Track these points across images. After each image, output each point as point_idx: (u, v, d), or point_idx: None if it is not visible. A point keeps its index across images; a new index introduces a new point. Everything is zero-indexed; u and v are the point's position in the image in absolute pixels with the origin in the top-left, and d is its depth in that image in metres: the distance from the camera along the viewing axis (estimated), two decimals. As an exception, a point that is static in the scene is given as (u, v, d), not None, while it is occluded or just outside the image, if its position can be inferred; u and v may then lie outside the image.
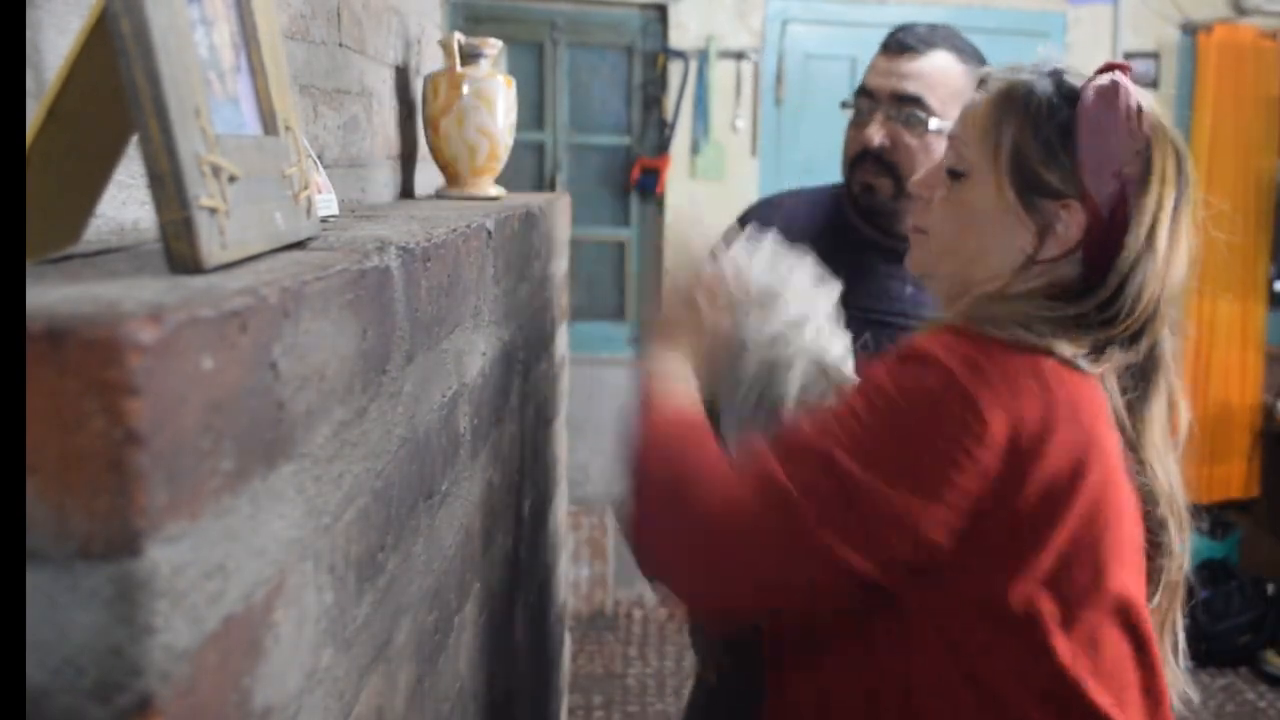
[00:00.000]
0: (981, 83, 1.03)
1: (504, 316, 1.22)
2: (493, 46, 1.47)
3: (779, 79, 4.05)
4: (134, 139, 0.59)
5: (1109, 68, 0.97)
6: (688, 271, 1.10)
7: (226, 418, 0.44)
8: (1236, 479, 4.19)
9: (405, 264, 0.75)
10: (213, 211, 0.51)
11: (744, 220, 1.67)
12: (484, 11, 3.95)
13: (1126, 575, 0.93)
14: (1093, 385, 0.93)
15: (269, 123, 0.65)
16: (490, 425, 1.15)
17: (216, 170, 0.52)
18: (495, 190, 1.51)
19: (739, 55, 4.02)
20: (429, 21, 1.79)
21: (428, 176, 1.67)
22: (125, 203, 0.75)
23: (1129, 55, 4.03)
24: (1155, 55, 4.14)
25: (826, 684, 0.99)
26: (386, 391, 0.71)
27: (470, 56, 1.45)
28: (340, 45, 1.23)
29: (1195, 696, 1.02)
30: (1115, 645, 0.92)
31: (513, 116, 1.49)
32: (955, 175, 1.01)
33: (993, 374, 0.87)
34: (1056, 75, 0.99)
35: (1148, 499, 0.98)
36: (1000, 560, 0.89)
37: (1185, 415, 1.05)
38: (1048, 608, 0.88)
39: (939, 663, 0.91)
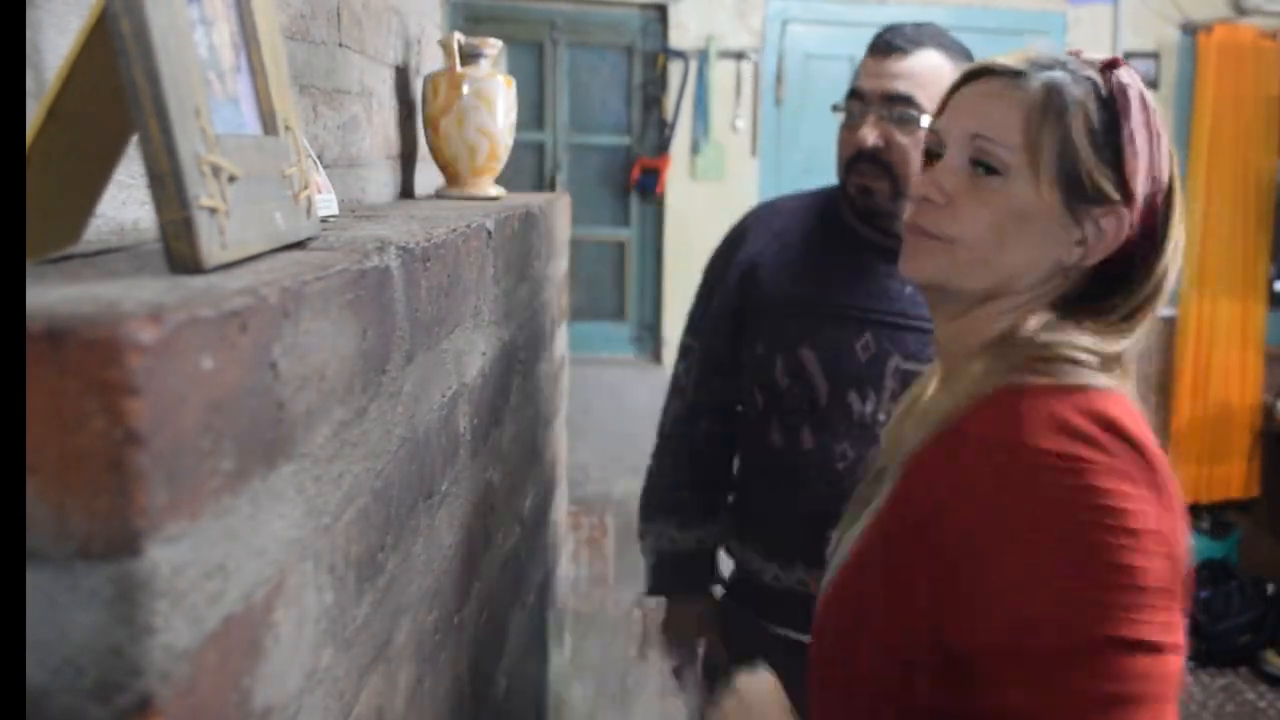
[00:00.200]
0: (986, 71, 0.94)
1: (504, 316, 1.22)
2: (493, 46, 1.47)
3: (779, 79, 4.05)
4: (134, 139, 0.59)
5: (1115, 63, 0.92)
6: None
7: (226, 418, 0.44)
8: (1236, 479, 4.20)
9: (405, 264, 0.75)
10: (213, 211, 0.51)
11: (743, 224, 1.68)
12: (484, 11, 3.95)
13: None
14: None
15: (269, 123, 0.65)
16: (490, 425, 1.15)
17: (216, 170, 0.52)
18: (495, 190, 1.51)
19: (739, 55, 4.02)
20: (429, 21, 1.79)
21: (428, 176, 1.67)
22: (125, 203, 0.75)
23: (1129, 55, 4.03)
24: (1155, 55, 4.14)
25: None
26: (386, 391, 0.71)
27: (470, 56, 1.45)
28: (340, 45, 1.23)
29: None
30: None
31: (513, 116, 1.49)
32: (987, 170, 0.90)
33: (1116, 453, 0.80)
34: (1082, 70, 0.92)
35: None
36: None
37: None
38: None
39: None
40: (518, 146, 1.62)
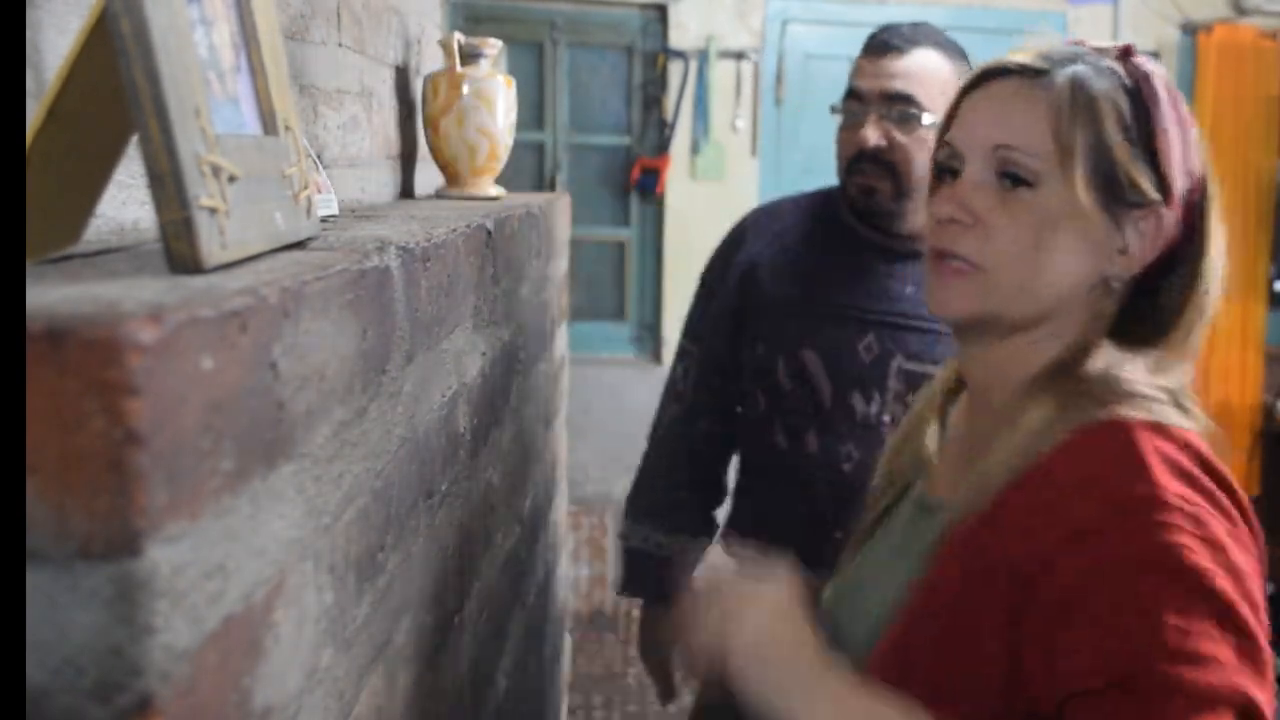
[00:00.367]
0: (999, 72, 0.86)
1: (504, 316, 1.22)
2: (493, 46, 1.47)
3: (779, 79, 4.05)
4: (134, 139, 0.59)
5: (1129, 50, 0.85)
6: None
7: (226, 418, 0.44)
8: (1236, 479, 4.19)
9: (405, 264, 0.75)
10: (213, 211, 0.51)
11: (741, 226, 1.68)
12: (484, 11, 3.95)
13: None
14: None
15: (269, 123, 0.65)
16: (490, 425, 1.15)
17: (216, 170, 0.52)
18: (495, 190, 1.51)
19: (739, 55, 4.02)
20: (429, 21, 1.79)
21: (428, 176, 1.67)
22: (125, 203, 0.75)
23: (1129, 55, 4.03)
24: (1155, 55, 4.13)
25: None
26: (386, 391, 0.71)
27: (470, 56, 1.45)
28: (340, 45, 1.23)
29: None
30: None
31: (513, 116, 1.49)
32: (1015, 182, 0.82)
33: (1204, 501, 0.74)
34: (1100, 60, 0.84)
35: None
36: None
37: None
38: None
39: None
40: (518, 146, 1.62)
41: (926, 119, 1.41)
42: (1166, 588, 0.70)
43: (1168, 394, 0.81)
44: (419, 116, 1.54)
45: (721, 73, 4.03)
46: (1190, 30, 4.12)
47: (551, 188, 4.04)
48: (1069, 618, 0.72)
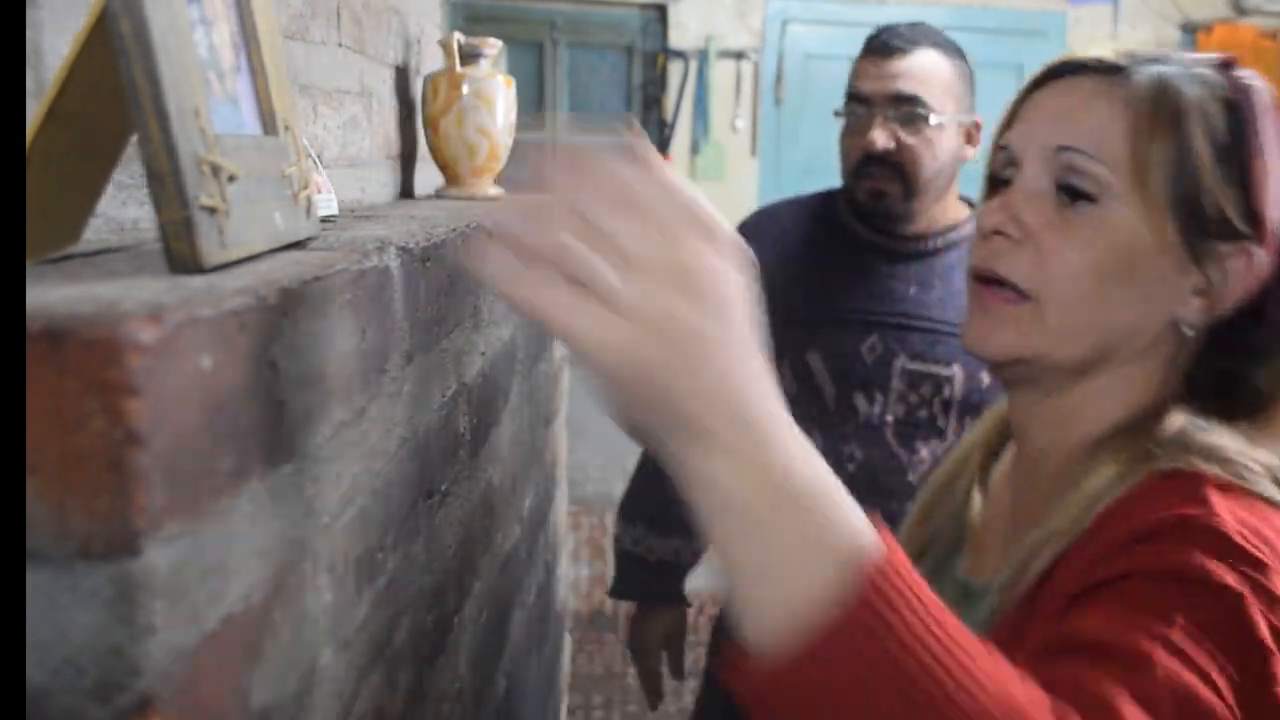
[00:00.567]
0: (1072, 68, 0.73)
1: (504, 316, 1.22)
2: (493, 46, 1.47)
3: (779, 79, 4.06)
4: (134, 139, 0.59)
5: (1232, 62, 0.73)
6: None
7: (226, 418, 0.44)
8: None
9: (405, 264, 0.75)
10: (212, 211, 0.51)
11: (740, 232, 1.68)
12: (484, 11, 3.95)
13: None
14: None
15: (269, 123, 0.65)
16: (490, 425, 1.15)
17: (216, 170, 0.52)
18: (495, 190, 1.51)
19: (739, 55, 4.02)
20: (429, 21, 1.79)
21: (428, 176, 1.67)
22: (125, 203, 0.75)
23: (1129, 55, 4.03)
24: (1155, 55, 4.14)
25: None
26: (386, 391, 0.71)
27: (470, 56, 1.45)
28: (340, 45, 1.23)
29: None
30: None
31: (512, 116, 1.49)
32: (1075, 195, 0.69)
33: None
34: (1195, 67, 0.72)
35: None
36: None
37: None
38: None
39: None
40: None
41: (933, 119, 1.41)
42: (1200, 607, 0.58)
43: (1264, 467, 0.66)
44: (419, 116, 1.54)
45: (721, 73, 4.03)
46: (1190, 30, 4.12)
47: (551, 188, 4.04)
48: (1085, 600, 0.62)
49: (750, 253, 0.55)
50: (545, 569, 1.77)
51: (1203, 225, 0.69)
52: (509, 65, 3.89)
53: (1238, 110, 0.70)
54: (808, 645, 0.45)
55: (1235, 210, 0.69)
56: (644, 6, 4.04)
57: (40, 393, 0.36)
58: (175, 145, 0.48)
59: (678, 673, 1.84)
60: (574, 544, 3.81)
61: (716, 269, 0.50)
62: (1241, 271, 0.70)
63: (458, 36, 1.44)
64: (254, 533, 0.48)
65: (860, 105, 1.46)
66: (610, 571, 1.83)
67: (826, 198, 1.61)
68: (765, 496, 0.46)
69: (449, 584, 0.94)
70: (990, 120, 1.53)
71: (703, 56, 4.00)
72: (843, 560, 0.46)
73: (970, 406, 1.44)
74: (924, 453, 1.45)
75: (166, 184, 0.48)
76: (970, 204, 1.54)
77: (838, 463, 1.46)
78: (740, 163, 4.07)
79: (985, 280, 0.73)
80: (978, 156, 1.51)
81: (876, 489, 1.42)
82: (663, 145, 4.05)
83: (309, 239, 0.69)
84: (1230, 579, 0.59)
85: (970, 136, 1.48)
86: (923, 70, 1.43)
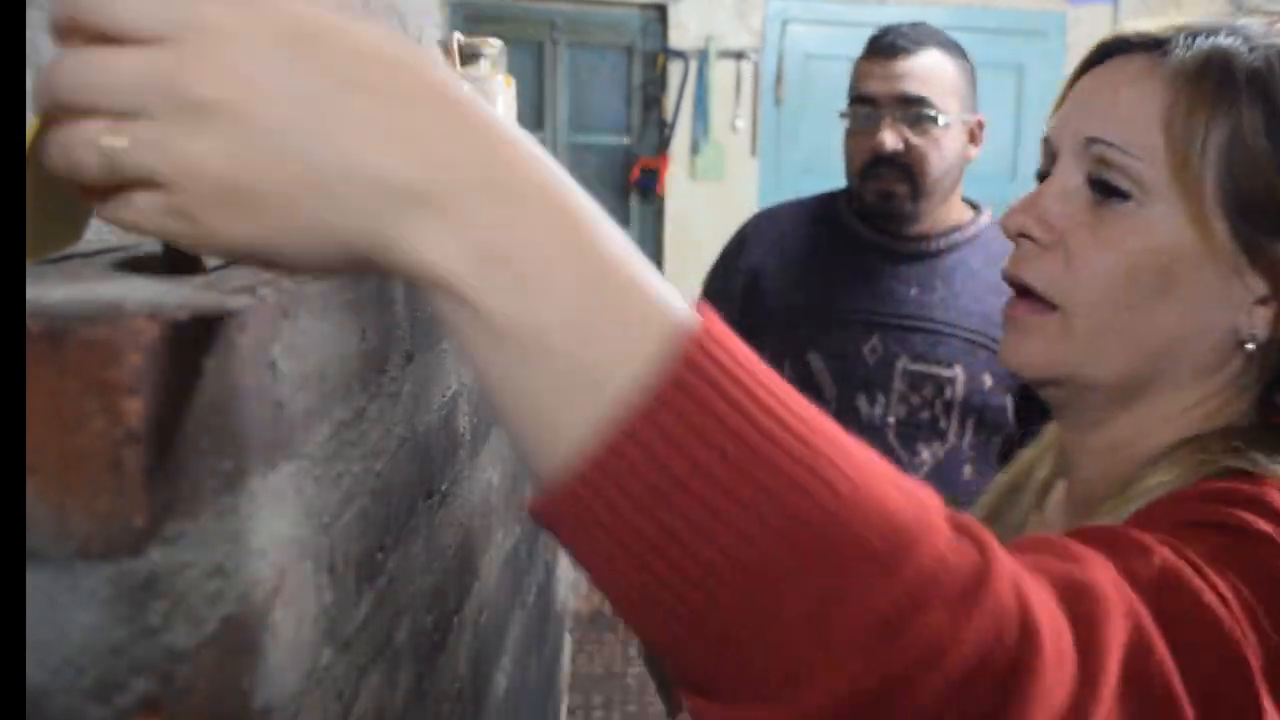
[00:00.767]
0: (1119, 47, 0.64)
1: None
2: (493, 46, 1.47)
3: (779, 79, 4.05)
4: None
5: None
6: None
7: (226, 418, 0.44)
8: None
9: (405, 264, 0.75)
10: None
11: (741, 233, 1.68)
12: (484, 11, 3.95)
13: None
14: None
15: (269, 123, 0.65)
16: (490, 425, 1.15)
17: (216, 170, 0.52)
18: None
19: (739, 55, 4.02)
20: (429, 21, 1.79)
21: (428, 176, 1.67)
22: (125, 203, 0.75)
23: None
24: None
25: None
26: (386, 391, 0.71)
27: (470, 56, 1.45)
28: (340, 45, 1.23)
29: None
30: None
31: (513, 116, 1.49)
32: (1108, 192, 0.61)
33: None
34: (1263, 36, 0.62)
35: None
36: None
37: None
38: None
39: None
40: (518, 146, 1.62)
41: (941, 120, 1.41)
42: (1233, 548, 0.51)
43: None
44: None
45: (721, 73, 4.03)
46: (1190, 30, 4.12)
47: (551, 188, 4.04)
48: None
49: None
50: (545, 569, 1.77)
51: (1261, 222, 0.59)
52: (509, 65, 3.90)
53: None
54: (627, 429, 0.35)
55: None
56: (644, 6, 4.04)
57: (40, 393, 0.36)
58: (175, 145, 0.48)
59: None
60: (574, 544, 3.80)
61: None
62: None
63: (458, 36, 1.44)
64: (254, 533, 0.48)
65: (866, 106, 1.46)
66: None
67: (827, 199, 1.61)
68: (569, 255, 0.35)
69: (449, 584, 0.94)
70: (991, 120, 1.53)
71: (703, 56, 4.00)
72: (665, 335, 0.36)
73: (972, 408, 1.44)
74: (925, 454, 1.45)
75: (166, 184, 0.48)
76: (974, 205, 1.54)
77: None
78: (740, 163, 4.07)
79: (1017, 289, 0.66)
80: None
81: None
82: (663, 145, 4.05)
83: (309, 239, 0.69)
84: (1272, 529, 0.52)
85: (973, 136, 1.48)
86: (929, 71, 1.42)
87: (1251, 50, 0.60)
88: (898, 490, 0.38)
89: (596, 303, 0.35)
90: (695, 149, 4.05)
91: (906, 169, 1.43)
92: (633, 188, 4.10)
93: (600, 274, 0.35)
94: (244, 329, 0.45)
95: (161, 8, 0.34)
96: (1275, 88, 0.59)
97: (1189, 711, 0.45)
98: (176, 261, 0.50)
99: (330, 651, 0.60)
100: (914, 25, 1.46)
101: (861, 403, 1.46)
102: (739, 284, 1.59)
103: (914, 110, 1.42)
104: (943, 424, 1.44)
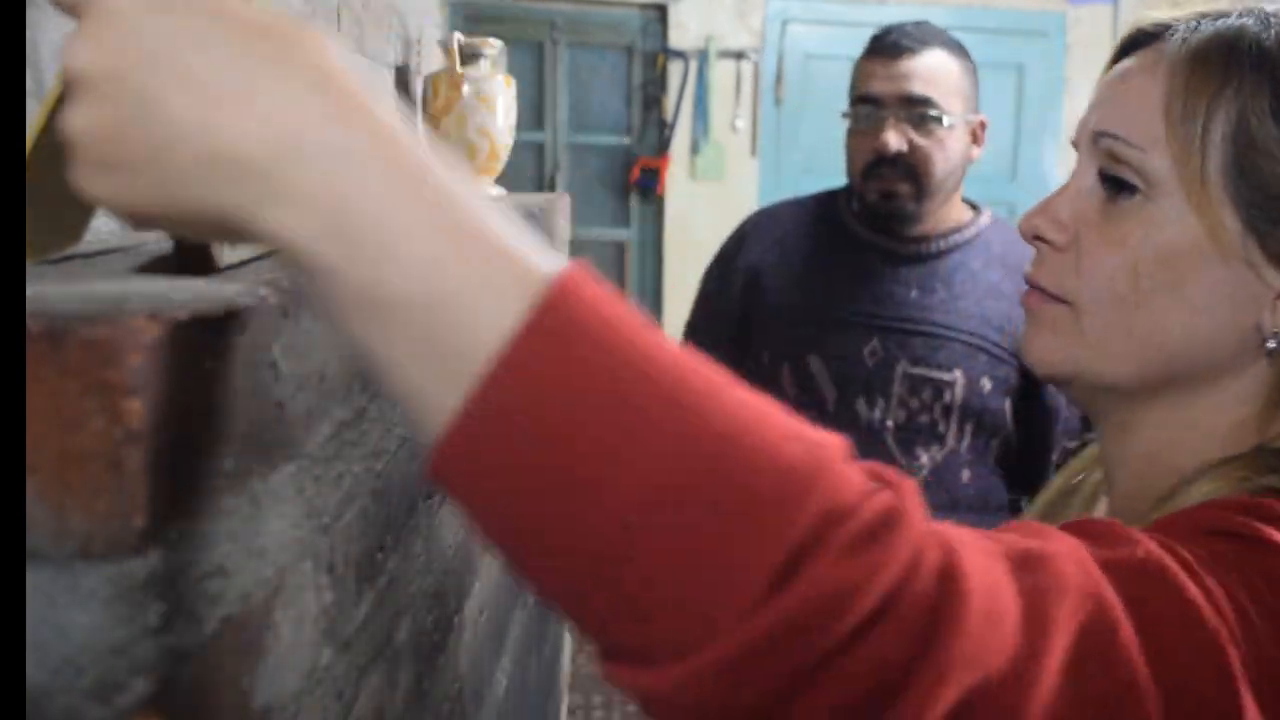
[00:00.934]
0: (1140, 40, 0.63)
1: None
2: (493, 46, 1.47)
3: (779, 79, 4.05)
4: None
5: None
6: None
7: (226, 418, 0.44)
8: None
9: (405, 264, 0.75)
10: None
11: (741, 231, 1.68)
12: (484, 11, 3.95)
13: None
14: None
15: (269, 123, 0.65)
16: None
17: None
18: (495, 190, 1.51)
19: (739, 55, 4.02)
20: (429, 21, 1.79)
21: (428, 176, 1.67)
22: (125, 203, 0.75)
23: (1129, 55, 4.03)
24: (1155, 55, 4.14)
25: None
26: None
27: (470, 56, 1.45)
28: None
29: None
30: None
31: (513, 116, 1.49)
32: (1118, 186, 0.60)
33: None
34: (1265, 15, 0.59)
35: None
36: None
37: None
38: None
39: None
40: (517, 146, 1.62)
41: (945, 120, 1.41)
42: (1241, 555, 0.49)
43: None
44: (419, 117, 1.54)
45: (721, 73, 4.03)
46: (1190, 30, 4.12)
47: (551, 188, 4.04)
48: None
49: None
50: (545, 569, 1.77)
51: (1274, 212, 0.56)
52: (509, 65, 3.90)
53: None
54: (491, 380, 0.35)
55: None
56: (644, 6, 4.04)
57: (40, 393, 0.36)
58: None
59: None
60: (574, 544, 3.80)
61: None
62: None
63: (458, 37, 1.44)
64: (254, 533, 0.47)
65: (869, 106, 1.45)
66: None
67: (827, 198, 1.60)
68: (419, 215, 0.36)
69: (449, 584, 0.94)
70: (991, 121, 1.53)
71: (703, 56, 4.00)
72: (526, 293, 0.36)
73: (971, 412, 1.43)
74: (924, 458, 1.44)
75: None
76: (974, 206, 1.54)
77: None
78: (740, 163, 4.07)
79: (1032, 288, 0.65)
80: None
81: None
82: (663, 145, 4.05)
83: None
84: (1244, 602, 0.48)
85: (976, 136, 1.48)
86: (933, 71, 1.42)
87: (1264, 28, 0.57)
88: (788, 437, 0.37)
89: (455, 271, 0.36)
90: (695, 149, 4.05)
91: (910, 169, 1.43)
92: (633, 188, 4.10)
93: (456, 243, 0.36)
94: (244, 329, 0.45)
95: None
96: None
97: (1153, 699, 0.44)
98: (187, 261, 0.50)
99: (330, 651, 0.60)
100: (917, 24, 1.46)
101: (861, 406, 1.46)
102: (739, 282, 1.59)
103: (918, 111, 1.41)
104: (941, 428, 1.44)
